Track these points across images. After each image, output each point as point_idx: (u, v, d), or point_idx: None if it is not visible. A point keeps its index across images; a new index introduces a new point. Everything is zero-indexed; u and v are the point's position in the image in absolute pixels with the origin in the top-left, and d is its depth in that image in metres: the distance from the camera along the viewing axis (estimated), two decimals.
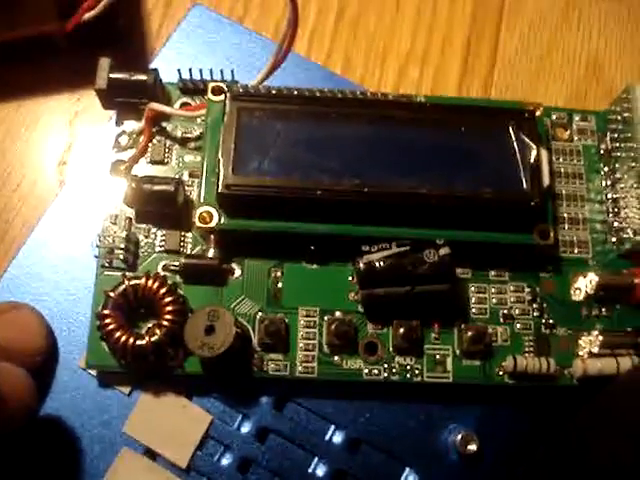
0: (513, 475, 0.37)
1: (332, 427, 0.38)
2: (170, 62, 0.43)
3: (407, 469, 0.38)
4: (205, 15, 0.44)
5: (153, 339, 0.36)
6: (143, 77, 0.39)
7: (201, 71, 0.40)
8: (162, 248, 0.39)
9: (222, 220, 0.37)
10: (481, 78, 0.46)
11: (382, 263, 0.37)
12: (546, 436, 0.38)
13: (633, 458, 0.30)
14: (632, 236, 0.40)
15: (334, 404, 0.39)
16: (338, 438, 0.38)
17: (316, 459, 0.38)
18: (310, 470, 0.38)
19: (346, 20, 0.46)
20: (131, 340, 0.36)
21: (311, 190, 0.37)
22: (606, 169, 0.42)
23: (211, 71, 0.40)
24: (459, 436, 0.38)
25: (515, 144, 0.38)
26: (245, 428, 0.38)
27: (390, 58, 0.46)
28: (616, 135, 0.42)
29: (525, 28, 0.48)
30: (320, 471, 0.38)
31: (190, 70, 0.40)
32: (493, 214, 0.38)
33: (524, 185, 0.38)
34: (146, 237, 0.39)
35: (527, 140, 0.38)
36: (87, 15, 0.38)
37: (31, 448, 0.37)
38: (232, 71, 0.40)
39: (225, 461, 0.37)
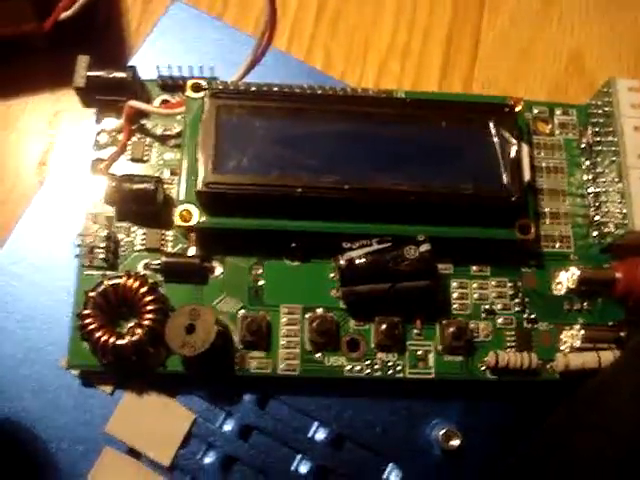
0: (496, 470, 0.38)
1: (315, 424, 0.38)
2: (150, 59, 0.43)
3: (390, 465, 0.38)
4: (185, 11, 0.44)
5: (134, 339, 0.36)
6: (122, 74, 0.39)
7: (180, 68, 0.40)
8: (143, 246, 0.39)
9: (202, 218, 0.37)
10: (462, 72, 0.46)
11: (363, 260, 0.37)
12: (529, 430, 0.38)
13: (614, 452, 0.30)
14: (613, 230, 0.40)
15: (317, 401, 0.38)
16: (321, 435, 0.38)
17: (299, 456, 0.38)
18: (293, 467, 0.38)
19: (326, 15, 0.46)
20: (112, 340, 0.36)
21: (291, 187, 0.37)
22: (587, 163, 0.42)
23: (190, 68, 0.40)
24: (442, 431, 0.38)
25: (495, 139, 0.38)
26: (228, 426, 0.38)
27: (371, 53, 0.46)
28: (597, 129, 0.42)
29: (506, 22, 0.48)
30: (304, 468, 0.38)
31: (169, 67, 0.40)
32: (474, 210, 0.38)
33: (504, 180, 0.38)
34: (127, 236, 0.39)
35: (507, 135, 0.38)
36: (64, 14, 0.38)
37: (12, 447, 0.37)
38: (211, 68, 0.40)
39: (208, 459, 0.37)
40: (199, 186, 0.36)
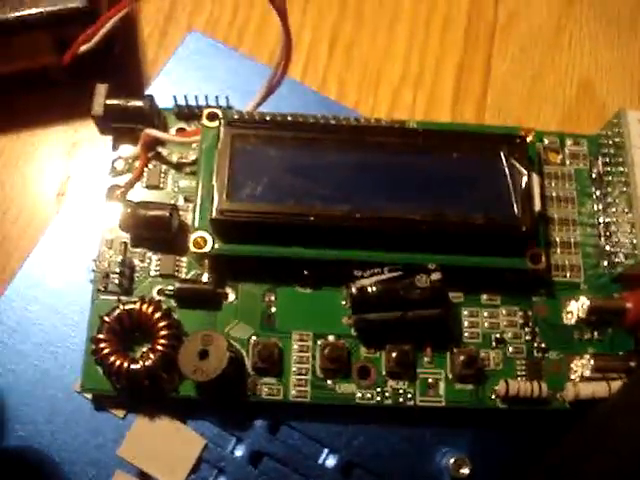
0: None
1: (325, 450, 0.39)
2: (166, 88, 0.44)
3: None
4: (201, 41, 0.45)
5: (147, 363, 0.36)
6: (139, 103, 0.40)
7: (197, 97, 0.41)
8: (157, 272, 0.39)
9: (216, 245, 0.38)
10: (474, 101, 0.47)
11: (374, 288, 0.37)
12: (539, 459, 0.38)
13: (625, 476, 0.30)
14: (624, 260, 0.40)
15: (327, 427, 0.39)
16: (331, 461, 0.38)
17: None
18: None
19: (340, 45, 0.47)
20: (125, 364, 0.36)
21: (304, 216, 0.37)
22: (598, 193, 0.42)
23: (206, 97, 0.41)
24: (452, 460, 0.38)
25: (506, 170, 0.39)
26: (239, 452, 0.38)
27: (384, 82, 0.46)
28: (608, 159, 0.42)
29: (517, 50, 0.48)
30: None
31: (185, 97, 0.41)
32: (485, 239, 0.38)
33: (515, 211, 0.38)
34: (141, 261, 0.39)
35: (518, 166, 0.39)
36: (83, 48, 0.39)
37: (25, 470, 0.37)
38: (227, 97, 0.41)
39: None
40: (214, 214, 0.37)
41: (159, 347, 0.37)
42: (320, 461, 0.38)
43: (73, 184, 0.44)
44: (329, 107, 0.44)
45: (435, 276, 0.37)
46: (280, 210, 0.37)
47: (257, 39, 0.47)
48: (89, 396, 0.38)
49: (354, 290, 0.37)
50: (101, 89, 0.39)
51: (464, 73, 0.47)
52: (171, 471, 0.37)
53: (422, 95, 0.46)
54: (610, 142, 0.42)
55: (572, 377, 0.39)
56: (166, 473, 0.37)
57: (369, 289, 0.37)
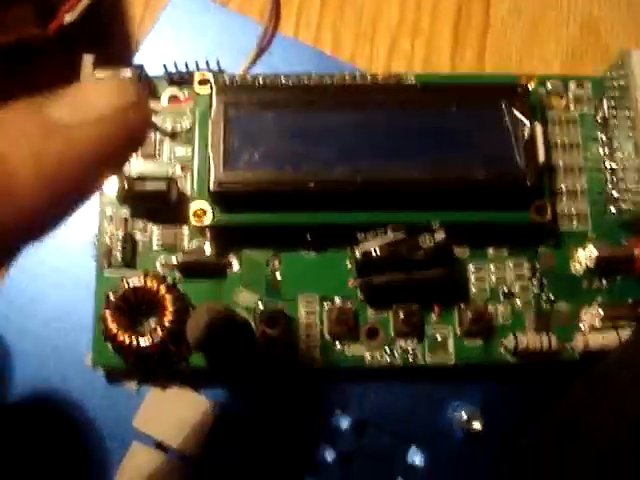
0: (512, 450, 0.38)
1: (338, 411, 0.39)
2: (156, 51, 0.43)
3: (414, 448, 0.39)
4: (188, 0, 0.43)
5: (155, 339, 0.36)
6: (128, 73, 0.39)
7: (186, 63, 0.40)
8: (159, 245, 0.39)
9: (216, 216, 0.37)
10: (474, 44, 0.45)
11: (378, 251, 0.37)
12: (547, 411, 0.38)
13: (629, 441, 0.30)
14: (631, 207, 0.39)
15: (338, 389, 0.39)
16: (344, 423, 0.39)
17: (324, 443, 0.39)
18: (319, 456, 0.39)
19: None
20: (134, 341, 0.36)
21: (303, 182, 0.37)
22: (604, 137, 0.41)
23: (197, 63, 0.39)
24: (463, 414, 0.39)
25: (508, 121, 0.38)
26: (249, 413, 0.39)
27: (380, 32, 0.45)
28: (613, 102, 0.41)
29: None
30: (329, 456, 0.39)
31: (175, 63, 0.40)
32: (488, 195, 0.37)
33: (518, 163, 0.37)
34: (143, 234, 0.39)
35: (520, 116, 0.38)
36: (67, 18, 0.38)
37: (40, 447, 0.38)
38: (217, 61, 0.39)
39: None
40: (211, 186, 0.36)
41: (166, 322, 0.37)
42: (333, 422, 0.39)
43: None
44: (324, 62, 0.43)
45: (439, 235, 0.37)
46: (279, 177, 0.37)
47: None
48: (101, 370, 0.39)
49: (358, 254, 0.37)
50: (88, 60, 0.38)
51: (462, 16, 0.45)
52: (187, 439, 0.38)
53: (420, 42, 0.45)
54: (615, 84, 0.41)
55: (582, 327, 0.39)
56: (182, 441, 0.38)
57: (373, 252, 0.37)
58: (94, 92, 0.23)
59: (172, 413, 0.38)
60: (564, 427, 0.34)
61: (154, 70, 0.40)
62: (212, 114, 0.37)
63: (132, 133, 0.23)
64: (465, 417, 0.39)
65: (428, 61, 0.44)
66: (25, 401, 0.38)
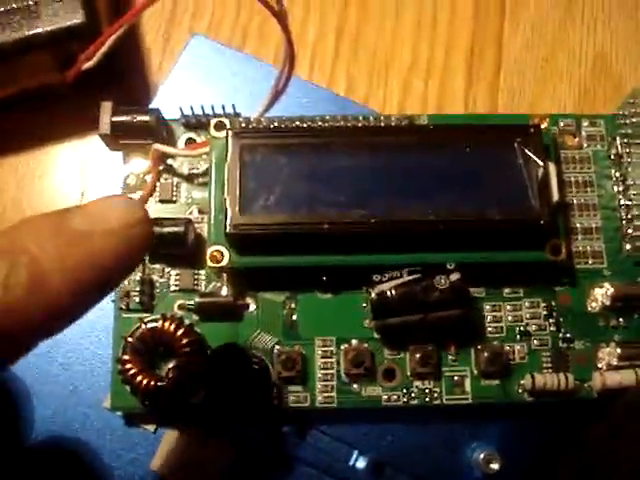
0: None
1: (355, 452, 0.39)
2: (173, 95, 0.43)
3: None
4: (205, 45, 0.44)
5: (173, 381, 0.37)
6: (145, 118, 0.39)
7: (202, 107, 0.40)
8: (177, 287, 0.39)
9: (233, 259, 0.38)
10: (487, 84, 0.46)
11: (394, 292, 0.37)
12: (568, 449, 0.38)
13: None
14: None
15: (355, 429, 0.39)
16: (361, 463, 0.39)
17: None
18: None
19: (346, 38, 0.46)
20: (152, 383, 0.37)
21: (318, 224, 0.37)
22: (617, 175, 0.41)
23: (212, 107, 0.40)
24: (481, 455, 0.39)
25: (521, 161, 0.38)
26: (269, 458, 0.39)
27: (393, 73, 0.45)
28: (626, 140, 0.41)
29: (528, 28, 0.47)
30: None
31: (192, 107, 0.40)
32: (503, 235, 0.38)
33: (532, 203, 0.37)
34: (160, 277, 0.40)
35: (533, 157, 0.38)
36: (86, 65, 0.38)
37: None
38: (233, 105, 0.40)
39: None
40: (228, 229, 0.37)
41: (184, 364, 0.37)
42: (350, 463, 0.39)
43: (89, 199, 0.44)
44: (338, 104, 0.43)
45: (454, 276, 0.37)
46: (294, 220, 0.37)
47: (261, 38, 0.46)
48: (119, 413, 0.39)
49: (373, 295, 0.37)
50: (106, 107, 0.39)
51: (475, 57, 0.46)
52: None
53: (434, 83, 0.45)
54: (627, 122, 0.41)
55: (599, 366, 0.39)
56: None
57: (388, 294, 0.37)
58: (108, 207, 0.28)
59: (189, 455, 0.39)
60: (585, 471, 0.34)
61: (171, 114, 0.41)
62: (228, 158, 0.38)
63: (136, 246, 0.28)
64: (483, 458, 0.38)
65: (441, 102, 0.45)
66: (44, 443, 0.39)
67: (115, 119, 0.39)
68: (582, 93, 0.46)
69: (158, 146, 0.39)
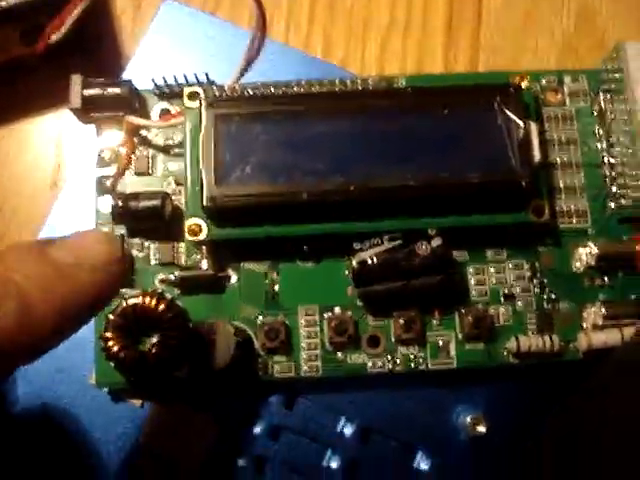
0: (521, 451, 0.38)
1: (342, 419, 0.39)
2: (146, 64, 0.42)
3: (419, 453, 0.39)
4: (177, 10, 0.43)
5: (157, 357, 0.36)
6: (117, 90, 0.38)
7: (175, 77, 0.39)
8: (157, 261, 0.39)
9: (211, 231, 0.37)
10: (467, 41, 0.44)
11: (375, 260, 0.36)
12: (555, 411, 0.38)
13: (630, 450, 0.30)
14: (631, 202, 0.39)
15: (342, 397, 0.39)
16: (349, 429, 0.39)
17: (329, 451, 0.39)
18: (325, 463, 0.39)
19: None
20: (136, 359, 0.36)
21: (297, 194, 0.36)
22: (601, 131, 0.40)
23: (185, 76, 0.39)
24: (467, 418, 0.39)
25: (501, 122, 0.37)
26: (257, 429, 0.39)
27: (371, 33, 0.44)
28: (609, 95, 0.40)
29: None
30: (334, 463, 0.39)
31: (164, 78, 0.39)
32: (484, 198, 0.37)
33: (513, 164, 0.37)
34: (140, 252, 0.39)
35: (513, 117, 0.37)
36: (54, 37, 0.37)
37: (48, 465, 0.38)
38: (206, 74, 0.39)
39: (240, 463, 0.38)
40: (204, 201, 0.36)
41: (167, 339, 0.37)
42: (338, 429, 0.39)
43: (65, 174, 0.43)
44: (315, 67, 0.42)
45: (435, 242, 0.36)
46: (272, 190, 0.36)
47: (234, 1, 0.44)
48: (105, 389, 0.39)
49: (355, 264, 0.37)
50: (76, 80, 0.38)
51: (454, 13, 0.45)
52: (192, 454, 0.38)
53: (412, 41, 0.44)
54: (610, 77, 0.40)
55: (585, 326, 0.39)
56: (188, 456, 0.38)
57: (369, 262, 0.36)
58: (91, 243, 0.30)
59: (176, 429, 0.39)
60: (562, 440, 0.34)
61: (145, 83, 0.40)
62: (202, 129, 0.37)
63: (116, 282, 0.31)
64: (469, 421, 0.39)
65: (421, 61, 0.44)
66: (30, 421, 0.39)
67: (86, 92, 0.38)
68: (565, 48, 0.45)
69: (131, 118, 0.38)
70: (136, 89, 0.40)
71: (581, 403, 0.36)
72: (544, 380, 0.39)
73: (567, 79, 0.41)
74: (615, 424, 0.32)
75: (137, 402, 0.39)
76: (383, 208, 0.37)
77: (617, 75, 0.39)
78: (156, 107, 0.40)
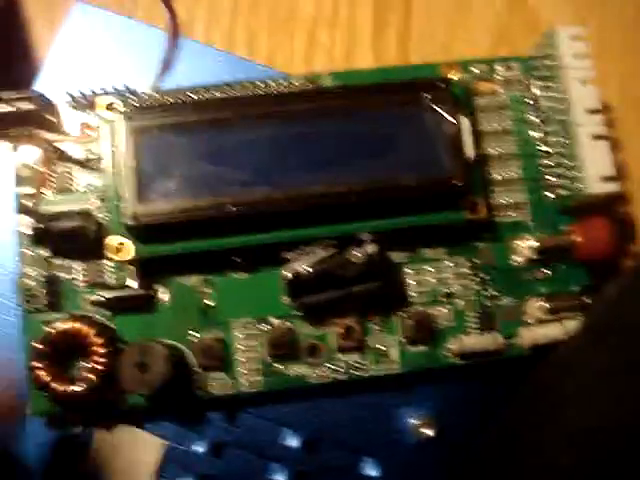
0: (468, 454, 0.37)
1: (288, 431, 0.38)
2: (59, 70, 0.40)
3: (367, 460, 0.38)
4: (89, 13, 0.41)
5: (88, 385, 0.35)
6: (28, 105, 0.36)
7: (92, 89, 0.37)
8: (84, 283, 0.37)
9: (137, 249, 0.36)
10: (396, 31, 0.43)
11: (310, 271, 0.35)
12: (502, 407, 0.37)
13: (570, 460, 0.30)
14: (568, 193, 0.38)
15: (286, 408, 0.38)
16: (295, 442, 0.38)
17: (276, 464, 0.38)
18: (272, 477, 0.38)
19: None
20: (67, 389, 0.35)
21: (222, 206, 0.35)
22: (536, 120, 0.39)
23: (103, 88, 0.37)
24: (415, 421, 0.38)
25: (432, 119, 0.36)
26: (200, 447, 0.38)
27: (296, 27, 0.42)
28: (542, 83, 0.39)
29: None
30: (281, 477, 0.38)
31: (79, 89, 0.37)
32: (417, 199, 0.36)
33: (445, 164, 0.36)
34: (67, 273, 0.37)
35: (443, 113, 0.36)
36: None
37: None
38: (125, 84, 0.37)
39: None
40: (127, 220, 0.35)
41: (98, 366, 0.35)
42: (285, 442, 0.38)
43: None
44: (239, 67, 0.40)
45: (370, 248, 0.35)
46: (196, 204, 0.35)
47: (153, 2, 0.42)
48: (42, 419, 0.38)
49: (288, 275, 0.36)
50: None
51: (382, 3, 0.43)
52: (138, 478, 0.37)
53: (340, 34, 0.42)
54: (543, 64, 0.39)
55: (528, 321, 0.38)
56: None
57: (303, 273, 0.35)
58: None
59: (119, 452, 0.37)
60: (505, 444, 0.33)
61: (60, 92, 0.38)
62: (120, 143, 0.35)
63: None
64: (417, 424, 0.38)
65: (350, 53, 0.42)
66: None
67: None
68: (498, 32, 0.43)
69: (44, 134, 0.36)
70: (49, 101, 0.38)
71: (519, 405, 0.35)
72: (492, 379, 0.38)
73: (499, 67, 0.40)
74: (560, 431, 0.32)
75: (77, 430, 0.38)
76: (314, 215, 0.36)
77: (549, 62, 0.38)
78: (73, 119, 0.38)
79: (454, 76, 0.38)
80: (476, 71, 0.40)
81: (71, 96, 0.38)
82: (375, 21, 0.43)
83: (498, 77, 0.40)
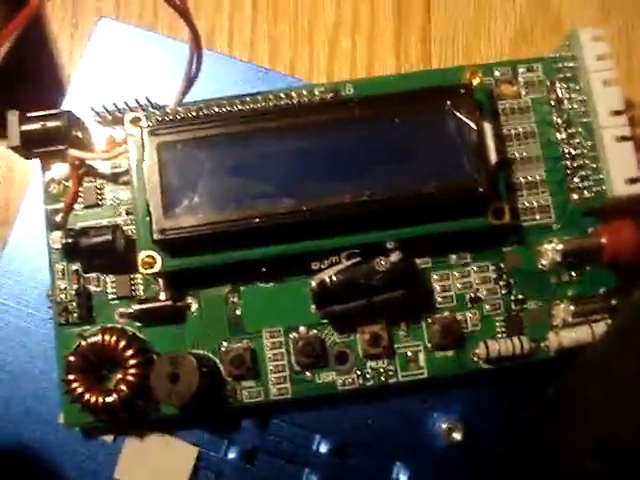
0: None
1: (317, 437, 0.39)
2: (86, 86, 0.41)
3: (398, 464, 0.38)
4: (114, 28, 0.41)
5: (121, 396, 0.36)
6: (56, 123, 0.37)
7: (115, 103, 0.38)
8: (115, 295, 0.38)
9: (165, 262, 0.36)
10: (418, 34, 0.43)
11: (335, 280, 0.36)
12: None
13: (598, 464, 0.30)
14: (593, 196, 0.38)
15: (315, 415, 0.39)
16: (324, 447, 0.39)
17: (307, 470, 0.38)
18: None
19: (262, 3, 0.43)
20: (100, 400, 0.36)
21: (248, 220, 0.35)
22: (559, 121, 0.39)
23: (126, 102, 0.38)
24: (443, 426, 0.38)
25: (454, 126, 0.36)
26: (232, 454, 0.38)
27: (318, 34, 0.42)
28: (565, 85, 0.39)
29: None
30: None
31: (104, 105, 0.38)
32: (442, 206, 0.36)
33: (469, 171, 0.36)
34: (97, 286, 0.38)
35: (466, 120, 0.36)
36: None
37: None
38: (147, 98, 0.38)
39: None
40: (155, 235, 0.35)
41: (129, 377, 0.36)
42: (314, 448, 0.39)
43: (14, 211, 0.42)
44: (261, 76, 0.41)
45: (395, 257, 0.35)
46: (222, 218, 0.35)
47: (173, 15, 0.42)
48: (76, 428, 0.38)
49: (314, 285, 0.36)
50: (13, 118, 0.36)
51: (402, 6, 0.43)
52: None
53: (361, 39, 0.42)
54: (565, 65, 0.38)
55: (555, 324, 0.38)
56: None
57: (328, 282, 0.36)
58: None
59: (151, 460, 0.38)
60: (531, 447, 0.33)
61: (87, 108, 0.39)
62: (146, 158, 0.36)
63: None
64: (445, 429, 0.38)
65: (371, 59, 0.42)
66: (2, 466, 0.38)
67: (24, 128, 0.37)
68: (519, 32, 0.43)
69: (73, 152, 0.37)
70: (77, 117, 0.38)
71: (546, 407, 0.35)
72: (518, 383, 0.38)
73: (521, 69, 0.40)
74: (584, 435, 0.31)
75: (109, 438, 0.38)
76: (339, 225, 0.36)
77: (572, 64, 0.38)
78: (100, 135, 0.39)
79: (476, 80, 0.38)
80: (498, 74, 0.39)
81: (96, 112, 0.38)
82: (396, 27, 0.43)
83: (520, 79, 0.40)
